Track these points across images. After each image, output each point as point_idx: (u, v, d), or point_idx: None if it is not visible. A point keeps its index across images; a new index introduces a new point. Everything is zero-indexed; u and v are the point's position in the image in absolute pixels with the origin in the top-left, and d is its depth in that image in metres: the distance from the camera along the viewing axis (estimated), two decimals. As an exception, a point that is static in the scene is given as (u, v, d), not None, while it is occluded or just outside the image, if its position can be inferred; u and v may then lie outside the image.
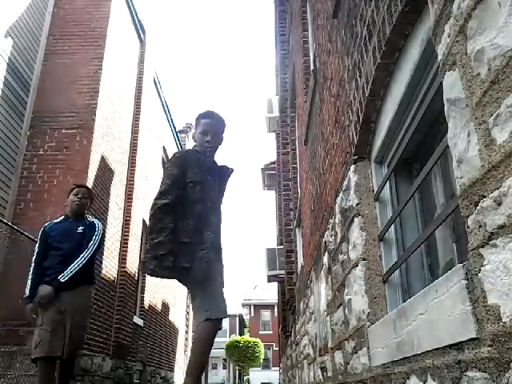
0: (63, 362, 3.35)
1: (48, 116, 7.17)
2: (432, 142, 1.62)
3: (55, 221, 3.68)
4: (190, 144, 17.00)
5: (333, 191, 2.72)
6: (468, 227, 0.96)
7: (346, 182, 2.25)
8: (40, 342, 3.19)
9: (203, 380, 30.76)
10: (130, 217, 8.80)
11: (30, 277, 3.42)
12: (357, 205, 2.03)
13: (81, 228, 3.58)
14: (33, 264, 3.48)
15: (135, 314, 9.29)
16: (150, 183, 10.67)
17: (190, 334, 17.46)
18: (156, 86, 11.52)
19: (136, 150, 9.33)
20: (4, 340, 5.65)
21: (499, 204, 0.84)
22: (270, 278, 9.75)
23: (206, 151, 2.80)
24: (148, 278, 10.36)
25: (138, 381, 9.31)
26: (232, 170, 2.96)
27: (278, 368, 18.88)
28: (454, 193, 1.30)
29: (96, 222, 3.71)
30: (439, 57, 1.10)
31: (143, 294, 10.08)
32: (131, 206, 8.90)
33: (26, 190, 6.71)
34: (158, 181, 11.95)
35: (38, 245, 3.57)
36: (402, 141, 1.74)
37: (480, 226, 0.91)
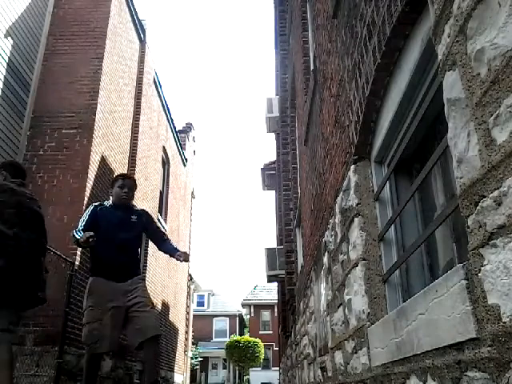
0: (151, 351, 3.13)
1: (48, 116, 7.17)
2: (432, 142, 1.62)
3: (106, 204, 3.52)
4: (189, 144, 17.01)
5: (333, 191, 2.72)
6: (468, 227, 0.96)
7: (346, 182, 2.25)
8: (101, 336, 3.06)
9: (203, 380, 30.74)
10: (129, 217, 8.78)
11: (78, 233, 3.17)
12: (357, 205, 2.03)
13: (134, 217, 3.49)
14: (78, 232, 3.20)
15: (135, 314, 9.27)
16: (150, 183, 10.67)
17: (190, 334, 17.47)
18: (156, 86, 11.52)
19: (136, 149, 9.33)
20: (4, 340, 5.64)
21: (499, 204, 0.84)
22: (270, 278, 9.75)
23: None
24: (148, 278, 10.35)
25: (137, 381, 9.31)
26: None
27: (278, 368, 18.88)
28: (454, 193, 1.30)
29: (144, 210, 3.73)
30: (439, 57, 1.10)
31: (143, 294, 10.07)
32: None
33: (25, 190, 6.71)
34: (158, 181, 11.96)
35: (86, 217, 3.35)
36: (401, 141, 1.74)
37: (480, 226, 0.91)
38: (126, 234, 3.34)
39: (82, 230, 3.23)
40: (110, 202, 3.57)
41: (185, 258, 3.39)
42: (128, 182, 3.56)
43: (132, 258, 3.40)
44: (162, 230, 3.68)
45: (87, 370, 3.18)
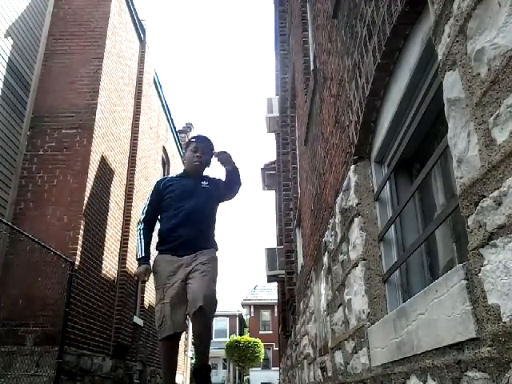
0: (197, 323, 2.75)
1: (48, 116, 7.17)
2: (432, 142, 1.62)
3: (171, 176, 3.17)
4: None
5: (333, 191, 2.72)
6: (468, 227, 0.96)
7: (346, 182, 2.25)
8: (163, 317, 2.74)
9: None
10: (129, 217, 8.80)
11: (140, 237, 2.98)
12: (357, 205, 2.03)
13: (205, 183, 3.07)
14: (142, 223, 3.02)
15: (135, 314, 9.29)
16: (150, 183, 10.67)
17: (190, 334, 17.46)
18: (156, 86, 11.52)
19: (136, 150, 9.33)
20: (4, 340, 5.65)
21: (499, 204, 0.84)
22: (270, 278, 9.75)
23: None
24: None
25: (137, 381, 9.31)
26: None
27: (277, 368, 18.89)
28: (454, 193, 1.30)
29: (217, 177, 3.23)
30: (439, 57, 1.10)
31: (143, 294, 10.08)
32: (131, 206, 8.90)
33: (25, 190, 6.72)
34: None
35: (148, 201, 3.08)
36: (402, 141, 1.74)
37: (480, 226, 0.91)
38: (194, 202, 2.93)
39: (144, 220, 3.01)
40: (181, 171, 3.22)
41: (219, 157, 2.96)
42: (202, 144, 3.11)
43: (200, 229, 2.93)
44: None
45: (163, 358, 2.90)
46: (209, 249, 2.95)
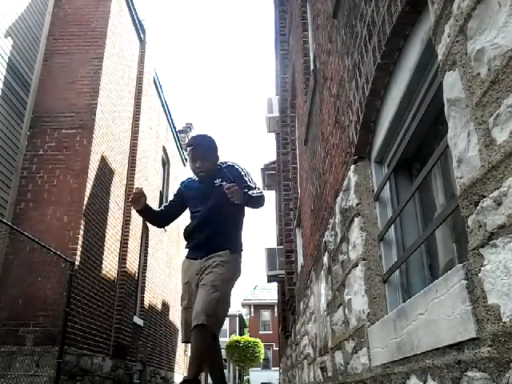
0: (192, 341, 2.60)
1: (48, 116, 7.17)
2: (432, 142, 1.62)
3: (192, 178, 3.08)
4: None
5: (333, 191, 2.72)
6: (468, 227, 0.96)
7: (346, 182, 2.25)
8: (182, 324, 2.75)
9: (203, 380, 30.76)
10: (129, 217, 8.80)
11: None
12: (357, 205, 2.03)
13: (218, 180, 2.87)
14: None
15: (135, 314, 9.29)
16: (150, 183, 10.67)
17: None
18: (156, 86, 11.52)
19: (136, 149, 9.33)
20: (4, 340, 5.65)
21: (499, 204, 0.84)
22: (270, 278, 9.75)
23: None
24: (148, 277, 10.35)
25: (137, 381, 9.31)
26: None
27: (277, 368, 18.89)
28: (454, 193, 1.30)
29: (230, 164, 3.00)
30: (439, 57, 1.10)
31: (143, 294, 10.08)
32: (131, 206, 8.89)
33: (26, 190, 6.72)
34: (158, 181, 11.95)
35: (171, 199, 3.14)
36: (402, 141, 1.74)
37: (480, 226, 0.91)
38: (209, 204, 2.84)
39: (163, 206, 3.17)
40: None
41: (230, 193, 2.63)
42: (197, 151, 2.89)
43: (216, 230, 2.81)
44: (250, 184, 2.88)
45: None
46: (224, 250, 2.79)
